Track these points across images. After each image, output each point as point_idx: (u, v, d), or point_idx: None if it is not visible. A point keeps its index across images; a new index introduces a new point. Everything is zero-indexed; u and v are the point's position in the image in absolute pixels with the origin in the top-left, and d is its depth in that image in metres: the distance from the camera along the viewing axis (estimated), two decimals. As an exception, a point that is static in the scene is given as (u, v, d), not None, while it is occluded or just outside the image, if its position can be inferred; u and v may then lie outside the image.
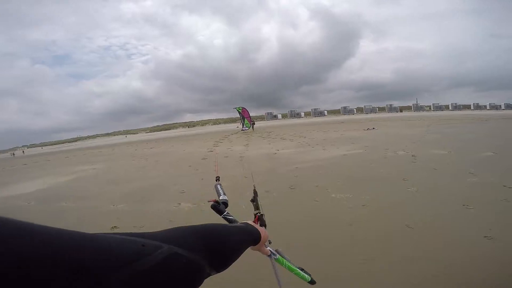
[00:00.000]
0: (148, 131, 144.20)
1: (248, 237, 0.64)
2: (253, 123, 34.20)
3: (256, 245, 0.70)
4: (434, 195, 4.20)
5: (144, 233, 0.34)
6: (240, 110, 36.27)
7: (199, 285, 0.38)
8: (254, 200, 1.00)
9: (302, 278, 0.87)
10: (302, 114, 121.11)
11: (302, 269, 0.88)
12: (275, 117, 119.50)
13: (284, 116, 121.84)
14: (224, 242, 0.48)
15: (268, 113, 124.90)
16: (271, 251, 0.80)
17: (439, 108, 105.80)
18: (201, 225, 0.47)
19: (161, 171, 8.60)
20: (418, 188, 4.59)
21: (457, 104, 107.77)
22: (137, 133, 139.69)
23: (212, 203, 0.87)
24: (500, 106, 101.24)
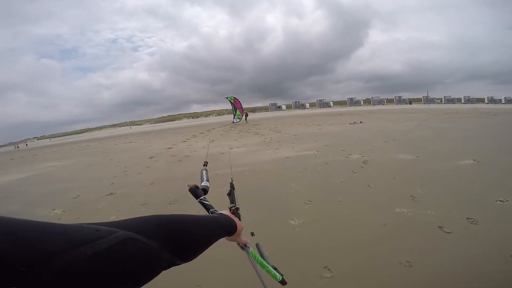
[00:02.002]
0: (152, 122, 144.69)
1: (220, 228, 0.63)
2: (246, 115, 33.11)
3: (232, 236, 0.70)
4: (317, 241, 2.85)
5: (103, 222, 0.35)
6: (232, 101, 34.80)
7: (159, 272, 0.38)
8: (230, 194, 1.00)
9: (273, 276, 0.86)
10: (307, 105, 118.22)
11: (275, 268, 0.87)
12: (279, 108, 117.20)
13: (288, 107, 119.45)
14: (188, 232, 0.47)
15: (272, 104, 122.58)
16: (246, 244, 0.80)
17: (450, 101, 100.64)
18: (166, 215, 0.46)
19: (95, 171, 8.20)
20: (303, 220, 3.25)
21: (470, 97, 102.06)
22: (142, 124, 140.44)
23: (190, 187, 0.86)
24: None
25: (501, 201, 3.42)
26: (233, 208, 0.93)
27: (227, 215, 0.71)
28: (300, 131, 14.09)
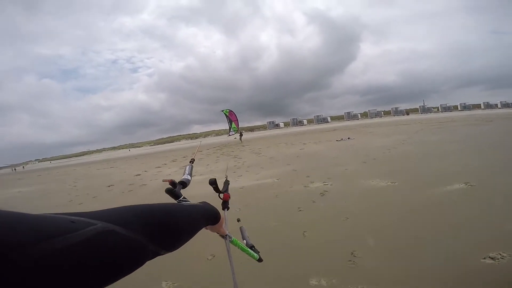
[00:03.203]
0: (152, 144, 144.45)
1: (204, 216, 0.63)
2: (241, 134, 32.25)
3: (215, 226, 0.72)
4: None
5: (82, 212, 0.34)
6: (227, 113, 34.07)
7: (142, 263, 0.37)
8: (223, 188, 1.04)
9: (252, 256, 0.98)
10: (305, 121, 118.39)
11: (252, 247, 0.99)
12: (277, 126, 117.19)
13: (286, 125, 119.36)
14: (172, 221, 0.46)
15: (270, 122, 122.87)
16: (227, 233, 0.84)
17: (447, 109, 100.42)
18: (148, 204, 0.45)
19: (43, 200, 8.17)
20: None
21: (466, 104, 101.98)
22: (142, 146, 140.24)
23: (167, 186, 0.82)
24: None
25: (492, 258, 2.30)
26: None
27: (210, 205, 0.69)
28: (280, 152, 13.06)
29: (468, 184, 4.35)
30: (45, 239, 0.24)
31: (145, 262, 0.38)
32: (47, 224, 0.26)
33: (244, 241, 1.01)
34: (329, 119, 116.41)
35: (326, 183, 5.41)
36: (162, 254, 0.43)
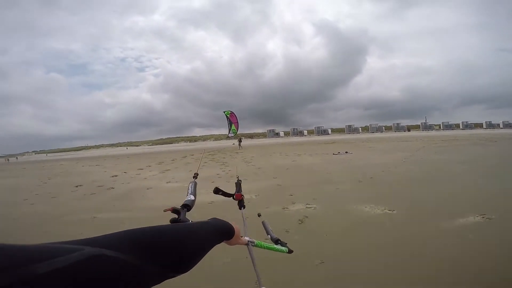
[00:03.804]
0: (150, 143, 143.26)
1: (215, 232, 0.60)
2: (240, 140, 31.77)
3: (231, 239, 0.68)
4: None
5: (73, 240, 0.33)
6: (228, 115, 33.69)
7: (144, 286, 0.36)
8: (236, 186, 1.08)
9: (280, 251, 0.92)
10: (305, 132, 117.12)
11: (278, 241, 0.95)
12: (277, 134, 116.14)
13: (287, 134, 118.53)
14: (175, 242, 0.44)
15: (270, 130, 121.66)
16: (248, 240, 0.80)
17: (449, 127, 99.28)
18: (147, 227, 0.43)
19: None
20: None
21: (468, 122, 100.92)
22: (140, 145, 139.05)
23: (171, 216, 0.74)
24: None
25: None
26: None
27: (223, 220, 0.66)
28: (271, 163, 12.07)
29: (485, 216, 3.41)
30: (29, 263, 0.24)
31: (150, 285, 0.37)
32: (27, 251, 0.25)
33: (269, 236, 0.98)
34: (329, 131, 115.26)
35: (309, 206, 4.42)
36: (172, 277, 0.41)
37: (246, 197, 3.99)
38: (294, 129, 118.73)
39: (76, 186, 8.70)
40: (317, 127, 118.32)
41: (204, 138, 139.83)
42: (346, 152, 14.62)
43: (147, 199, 6.19)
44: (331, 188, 5.70)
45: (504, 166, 7.88)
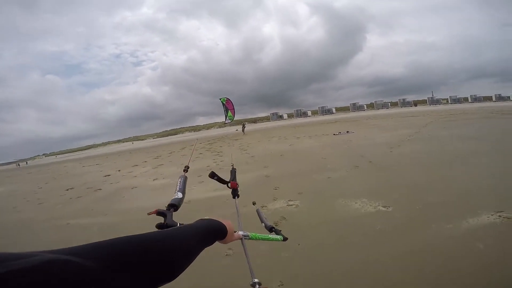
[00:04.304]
0: (155, 136, 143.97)
1: (204, 234, 0.58)
2: (244, 126, 31.35)
3: (225, 239, 0.66)
4: None
5: (44, 250, 0.33)
6: (224, 102, 33.29)
7: None
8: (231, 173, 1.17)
9: (275, 240, 0.90)
10: (309, 113, 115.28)
11: (272, 228, 0.93)
12: (281, 117, 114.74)
13: (290, 116, 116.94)
14: (153, 250, 0.43)
15: (273, 113, 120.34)
16: (242, 234, 0.78)
17: (457, 100, 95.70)
18: (124, 237, 0.41)
19: None
20: None
21: (477, 95, 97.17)
22: (145, 139, 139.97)
23: (156, 222, 0.69)
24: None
25: None
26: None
27: (211, 219, 0.63)
28: (267, 149, 11.42)
29: (502, 215, 2.70)
30: None
31: None
32: None
33: (263, 224, 0.97)
34: (334, 110, 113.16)
35: (291, 203, 3.82)
36: (161, 285, 0.41)
37: (226, 193, 3.19)
38: (297, 110, 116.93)
39: (67, 190, 8.52)
40: (321, 107, 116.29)
41: (208, 127, 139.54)
42: (347, 132, 13.84)
43: (127, 201, 5.86)
44: (322, 178, 5.06)
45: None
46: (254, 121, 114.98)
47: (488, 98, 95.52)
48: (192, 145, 20.02)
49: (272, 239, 0.90)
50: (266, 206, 3.87)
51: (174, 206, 0.74)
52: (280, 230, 0.94)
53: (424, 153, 6.54)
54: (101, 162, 20.15)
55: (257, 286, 0.61)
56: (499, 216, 2.69)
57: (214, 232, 0.61)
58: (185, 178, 0.90)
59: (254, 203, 1.14)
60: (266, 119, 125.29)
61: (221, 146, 16.06)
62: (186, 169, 0.97)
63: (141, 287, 0.38)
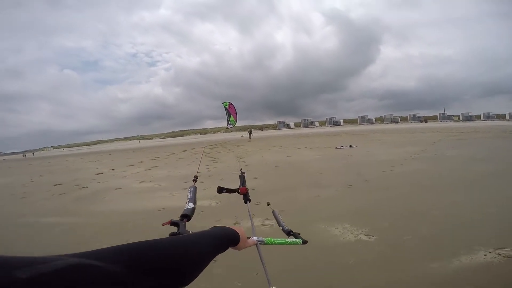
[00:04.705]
0: (162, 136, 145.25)
1: (217, 241, 0.59)
2: (250, 132, 31.22)
3: (238, 245, 0.66)
4: None
5: (65, 254, 0.33)
6: (226, 106, 33.28)
7: None
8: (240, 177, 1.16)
9: (295, 244, 0.87)
10: (316, 123, 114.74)
11: (291, 232, 0.90)
12: (287, 126, 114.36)
13: (297, 125, 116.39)
14: (177, 258, 0.44)
15: (280, 122, 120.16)
16: (256, 239, 0.77)
17: (469, 118, 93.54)
18: (142, 241, 0.43)
19: None
20: None
21: (490, 113, 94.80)
22: (152, 138, 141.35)
23: (170, 229, 0.70)
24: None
25: None
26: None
27: (224, 226, 0.64)
28: (264, 158, 11.01)
29: (502, 253, 2.25)
30: (7, 270, 0.24)
31: None
32: (8, 259, 0.26)
33: (280, 227, 0.94)
34: (342, 122, 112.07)
35: (267, 222, 3.39)
36: None
37: (205, 203, 2.74)
38: (305, 120, 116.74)
39: (55, 185, 8.36)
40: (329, 118, 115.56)
41: (214, 131, 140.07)
42: (350, 146, 13.31)
43: (105, 203, 5.69)
44: (310, 195, 4.62)
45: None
46: (261, 128, 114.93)
47: (502, 117, 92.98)
48: (197, 149, 19.71)
49: (290, 243, 0.87)
50: (239, 223, 3.47)
51: (186, 216, 0.76)
52: (299, 234, 0.90)
53: (427, 174, 6.01)
54: (102, 159, 20.14)
55: None
56: (498, 254, 2.25)
57: (227, 239, 0.61)
58: (195, 188, 0.92)
59: (268, 204, 1.10)
60: (273, 127, 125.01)
61: (220, 152, 15.71)
62: (195, 179, 0.98)
63: None
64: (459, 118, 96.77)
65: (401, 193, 4.55)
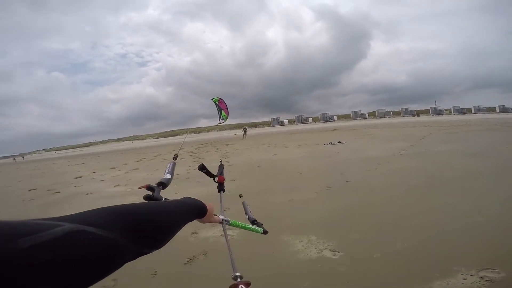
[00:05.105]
0: (156, 137, 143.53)
1: (188, 211, 0.61)
2: (245, 130, 30.46)
3: (204, 218, 0.70)
4: None
5: (49, 217, 0.32)
6: (216, 102, 32.93)
7: (122, 263, 0.36)
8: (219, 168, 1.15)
9: (256, 231, 0.93)
10: (310, 119, 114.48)
11: (255, 221, 0.97)
12: (281, 123, 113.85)
13: (291, 122, 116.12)
14: (151, 219, 0.45)
15: (274, 119, 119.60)
16: (223, 218, 0.80)
17: (459, 111, 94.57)
18: (124, 204, 0.44)
19: None
20: None
21: (481, 106, 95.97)
22: (145, 139, 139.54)
23: (145, 192, 0.76)
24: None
25: None
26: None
27: (194, 199, 0.67)
28: (249, 158, 10.59)
29: (486, 276, 1.86)
30: (11, 240, 0.25)
31: (126, 261, 0.37)
32: (10, 226, 0.26)
33: (247, 216, 1.00)
34: (335, 117, 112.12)
35: (229, 232, 2.98)
36: (146, 253, 0.42)
37: None
38: (298, 116, 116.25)
39: (29, 190, 8.10)
40: (322, 114, 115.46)
41: (208, 129, 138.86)
42: (339, 142, 12.98)
43: (72, 208, 5.32)
44: (284, 200, 4.22)
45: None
46: (255, 125, 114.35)
47: (492, 109, 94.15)
48: (186, 149, 19.30)
49: (253, 230, 0.93)
50: (196, 233, 3.08)
51: (162, 184, 0.82)
52: (262, 224, 0.96)
53: (413, 173, 5.64)
54: (88, 161, 19.61)
55: (239, 279, 0.59)
56: (481, 278, 1.84)
57: (196, 209, 0.64)
58: (174, 164, 0.98)
59: (240, 196, 1.18)
60: (267, 124, 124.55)
61: (207, 152, 15.25)
62: (175, 157, 1.06)
63: (140, 253, 0.40)
64: (450, 112, 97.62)
65: (381, 196, 4.15)
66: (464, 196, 3.87)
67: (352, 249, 2.42)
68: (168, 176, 0.87)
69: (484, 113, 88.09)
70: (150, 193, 0.75)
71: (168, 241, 0.48)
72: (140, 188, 0.77)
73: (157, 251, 0.47)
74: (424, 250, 2.33)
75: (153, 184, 0.78)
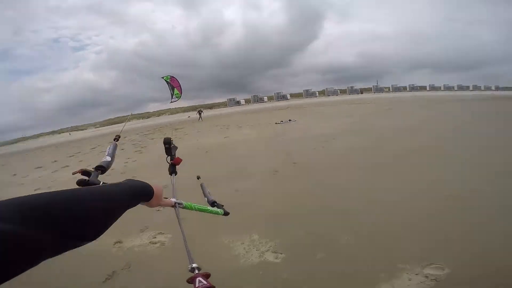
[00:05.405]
0: (98, 126, 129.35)
1: (128, 194, 0.54)
2: (200, 112, 29.31)
3: (151, 201, 0.63)
4: None
5: None
6: (168, 80, 30.74)
7: (40, 258, 0.33)
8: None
9: (216, 213, 0.88)
10: (265, 98, 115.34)
11: (214, 203, 0.91)
12: (238, 103, 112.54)
13: (248, 102, 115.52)
14: (75, 209, 0.40)
15: (230, 99, 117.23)
16: (176, 202, 0.76)
17: (397, 89, 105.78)
18: (35, 194, 0.38)
19: None
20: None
21: (414, 85, 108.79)
22: (86, 129, 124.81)
23: (79, 177, 0.70)
24: (454, 87, 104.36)
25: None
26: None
27: (137, 181, 0.59)
28: (198, 142, 9.96)
29: (431, 274, 1.78)
30: None
31: (45, 256, 0.33)
32: None
33: (206, 198, 0.95)
34: (288, 96, 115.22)
35: (160, 238, 2.60)
36: (76, 246, 0.38)
37: None
38: (254, 96, 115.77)
39: None
40: (277, 93, 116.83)
41: (158, 114, 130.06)
42: (289, 120, 13.12)
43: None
44: (229, 189, 3.87)
45: (468, 133, 6.85)
46: (211, 107, 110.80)
47: (423, 88, 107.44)
48: (130, 137, 17.49)
49: (211, 212, 0.87)
50: (121, 242, 2.58)
51: (101, 167, 0.75)
52: (223, 205, 0.91)
53: (357, 150, 5.79)
54: (11, 161, 16.05)
55: (196, 271, 0.56)
56: (426, 277, 1.73)
57: (140, 192, 0.58)
58: (115, 145, 0.94)
59: (198, 177, 1.08)
60: (224, 104, 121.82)
61: (152, 139, 14.00)
62: (117, 138, 1.02)
63: (64, 246, 0.36)
64: (389, 89, 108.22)
65: (330, 176, 4.09)
66: (403, 175, 3.89)
67: (295, 250, 2.19)
68: (108, 159, 0.81)
69: (417, 90, 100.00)
70: (86, 178, 0.69)
71: (105, 230, 0.43)
72: (74, 173, 0.71)
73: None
74: (368, 244, 2.19)
75: (91, 168, 0.72)
